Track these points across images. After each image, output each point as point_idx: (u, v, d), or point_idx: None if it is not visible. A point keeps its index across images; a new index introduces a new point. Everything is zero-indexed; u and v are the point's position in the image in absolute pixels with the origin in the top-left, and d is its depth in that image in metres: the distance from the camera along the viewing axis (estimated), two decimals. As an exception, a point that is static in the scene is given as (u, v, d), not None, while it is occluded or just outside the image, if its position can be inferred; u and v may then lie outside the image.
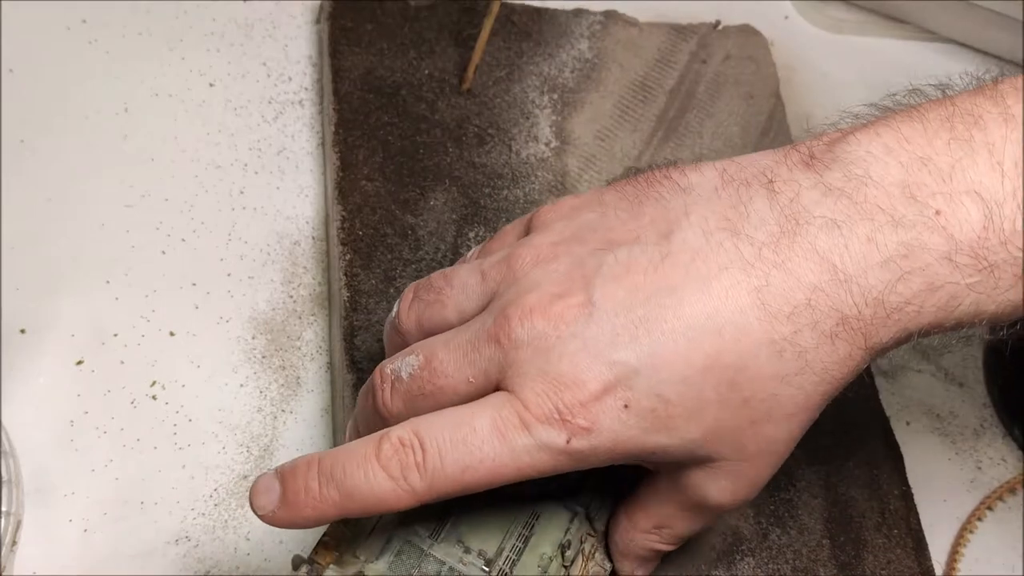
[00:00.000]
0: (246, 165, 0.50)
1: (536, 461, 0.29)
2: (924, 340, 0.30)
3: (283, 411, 0.44)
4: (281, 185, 0.50)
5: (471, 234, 0.46)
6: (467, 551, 0.33)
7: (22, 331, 0.44)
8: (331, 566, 0.32)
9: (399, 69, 0.50)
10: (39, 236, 0.46)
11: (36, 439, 0.41)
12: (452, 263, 0.45)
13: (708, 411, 0.29)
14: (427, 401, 0.31)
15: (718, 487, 0.31)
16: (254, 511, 0.31)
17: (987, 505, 0.47)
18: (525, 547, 0.34)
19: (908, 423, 0.49)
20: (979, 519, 0.47)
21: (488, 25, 0.47)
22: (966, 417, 0.50)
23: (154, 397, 0.43)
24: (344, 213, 0.45)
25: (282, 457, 0.43)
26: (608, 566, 0.36)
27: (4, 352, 0.43)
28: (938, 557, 0.44)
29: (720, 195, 0.30)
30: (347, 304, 0.42)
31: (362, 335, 0.42)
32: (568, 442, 0.29)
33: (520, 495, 0.34)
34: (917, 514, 0.44)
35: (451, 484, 0.30)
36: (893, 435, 0.45)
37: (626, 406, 0.29)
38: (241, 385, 0.44)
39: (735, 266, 0.29)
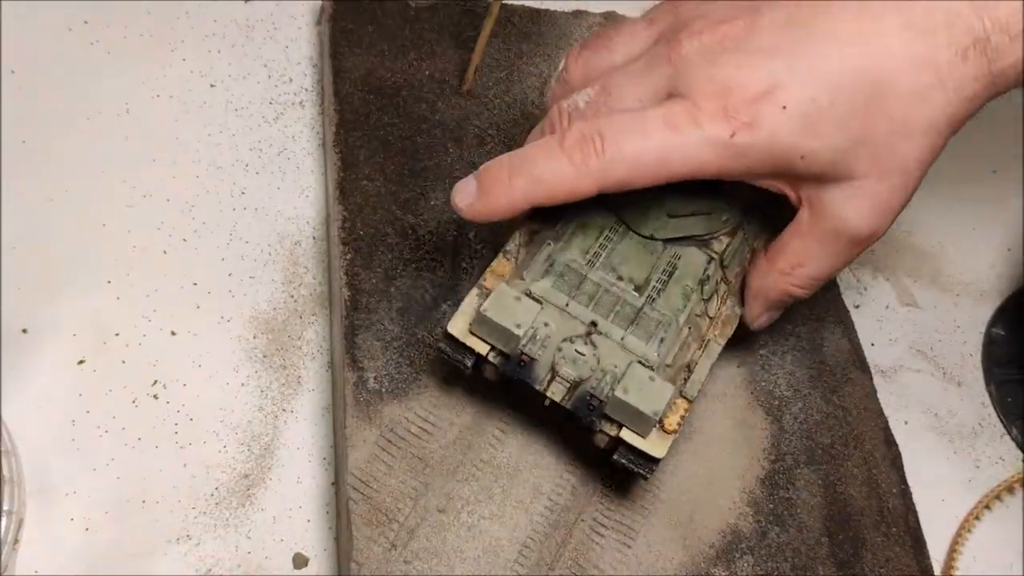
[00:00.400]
0: (247, 165, 0.50)
1: (702, 154, 0.33)
2: None
3: (284, 410, 0.44)
4: (282, 185, 0.50)
5: (471, 234, 0.46)
6: (619, 277, 0.38)
7: (24, 331, 0.44)
8: (502, 283, 0.36)
9: (400, 70, 0.50)
10: (40, 236, 0.46)
11: (38, 438, 0.41)
12: (452, 263, 0.45)
13: (853, 119, 0.33)
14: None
15: (856, 210, 0.35)
16: (456, 206, 0.36)
17: (985, 504, 0.47)
18: (669, 279, 0.38)
19: (906, 422, 0.49)
20: (977, 518, 0.47)
21: (488, 26, 0.47)
22: (964, 416, 0.50)
23: (155, 396, 0.43)
24: (345, 213, 0.45)
25: (283, 456, 0.43)
26: (738, 311, 0.40)
27: (6, 352, 0.43)
28: (936, 556, 0.44)
29: None
30: (348, 303, 0.43)
31: (363, 334, 0.42)
32: (732, 136, 0.33)
33: (666, 237, 0.39)
34: (916, 513, 0.44)
35: (625, 169, 0.34)
36: (892, 434, 0.46)
37: (784, 107, 0.33)
38: (242, 384, 0.44)
39: None
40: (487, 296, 0.37)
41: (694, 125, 0.33)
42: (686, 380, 0.37)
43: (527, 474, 0.40)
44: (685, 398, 0.37)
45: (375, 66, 0.50)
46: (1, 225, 0.46)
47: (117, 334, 0.44)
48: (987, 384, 0.51)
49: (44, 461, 0.41)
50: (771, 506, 0.42)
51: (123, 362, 0.44)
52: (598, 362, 0.36)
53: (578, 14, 0.55)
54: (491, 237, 0.45)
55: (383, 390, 0.41)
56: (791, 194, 0.36)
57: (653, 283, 0.38)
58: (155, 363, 0.44)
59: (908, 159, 0.34)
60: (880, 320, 0.53)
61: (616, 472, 0.39)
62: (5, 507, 0.39)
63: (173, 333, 0.45)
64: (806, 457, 0.44)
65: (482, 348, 0.37)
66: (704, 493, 0.42)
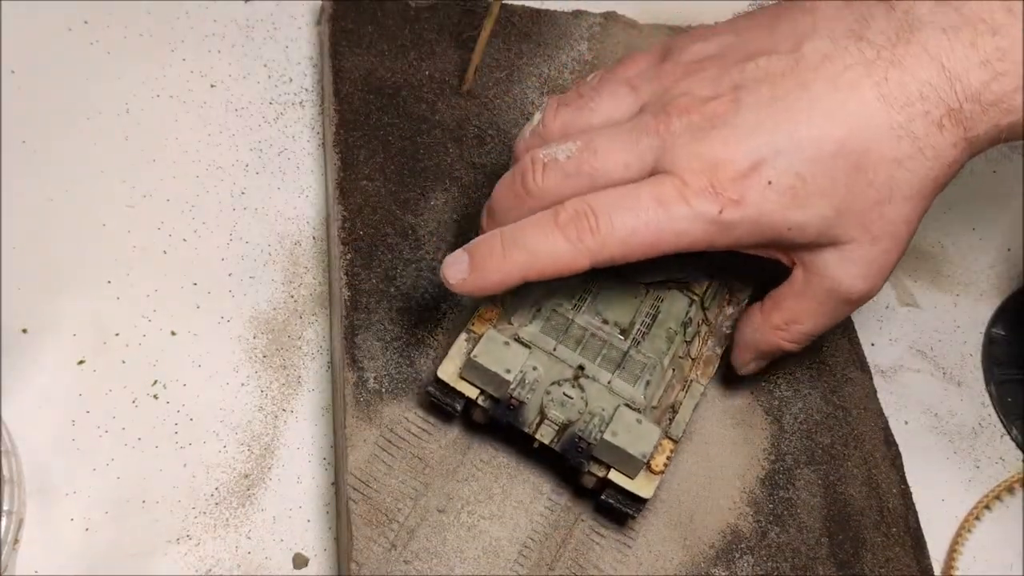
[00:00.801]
0: (247, 166, 0.50)
1: (691, 230, 0.34)
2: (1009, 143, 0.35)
3: (284, 410, 0.44)
4: (282, 185, 0.50)
5: (471, 234, 0.46)
6: (604, 321, 0.39)
7: (24, 331, 0.44)
8: (491, 328, 0.37)
9: (400, 70, 0.50)
10: (41, 236, 0.46)
11: (38, 438, 0.41)
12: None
13: (838, 190, 0.34)
14: (581, 181, 0.35)
15: (849, 272, 0.36)
16: (447, 282, 0.36)
17: (985, 504, 0.47)
18: (653, 322, 0.40)
19: (906, 422, 0.49)
20: (977, 518, 0.47)
21: (488, 26, 0.47)
22: (964, 416, 0.50)
23: (155, 396, 0.43)
24: (345, 213, 0.45)
25: (283, 456, 0.43)
26: (719, 351, 0.41)
27: (6, 352, 0.43)
28: (936, 556, 0.44)
29: (843, 12, 0.35)
30: (348, 303, 0.43)
31: (363, 334, 0.42)
32: (720, 212, 0.34)
33: (648, 281, 0.40)
34: (916, 513, 0.44)
35: (619, 247, 0.35)
36: (892, 434, 0.46)
37: (769, 183, 0.34)
38: (242, 384, 0.44)
39: (859, 65, 0.34)
40: (476, 341, 0.37)
41: (683, 203, 0.34)
42: (671, 421, 0.38)
43: (527, 474, 0.40)
44: (670, 439, 0.38)
45: (375, 66, 0.50)
46: (1, 225, 0.46)
47: (117, 334, 0.44)
48: (987, 384, 0.51)
49: (44, 461, 0.41)
50: (771, 506, 0.42)
51: (123, 362, 0.44)
52: (586, 405, 0.37)
53: (578, 14, 0.55)
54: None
55: (383, 390, 0.41)
56: (783, 259, 0.37)
57: (637, 326, 0.39)
58: (155, 363, 0.44)
59: (896, 223, 0.35)
60: (880, 320, 0.53)
61: (603, 511, 0.39)
62: (5, 507, 0.39)
63: (173, 333, 0.45)
64: (806, 457, 0.44)
65: (471, 392, 0.37)
66: (704, 493, 0.42)
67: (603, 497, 0.38)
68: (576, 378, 0.38)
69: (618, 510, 0.38)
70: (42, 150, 0.48)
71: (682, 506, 0.41)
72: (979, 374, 0.52)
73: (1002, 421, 0.50)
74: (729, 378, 0.44)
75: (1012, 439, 0.50)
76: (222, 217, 0.48)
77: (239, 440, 0.43)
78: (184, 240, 0.47)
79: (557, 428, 0.37)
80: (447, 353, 0.38)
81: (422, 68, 0.51)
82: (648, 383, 0.38)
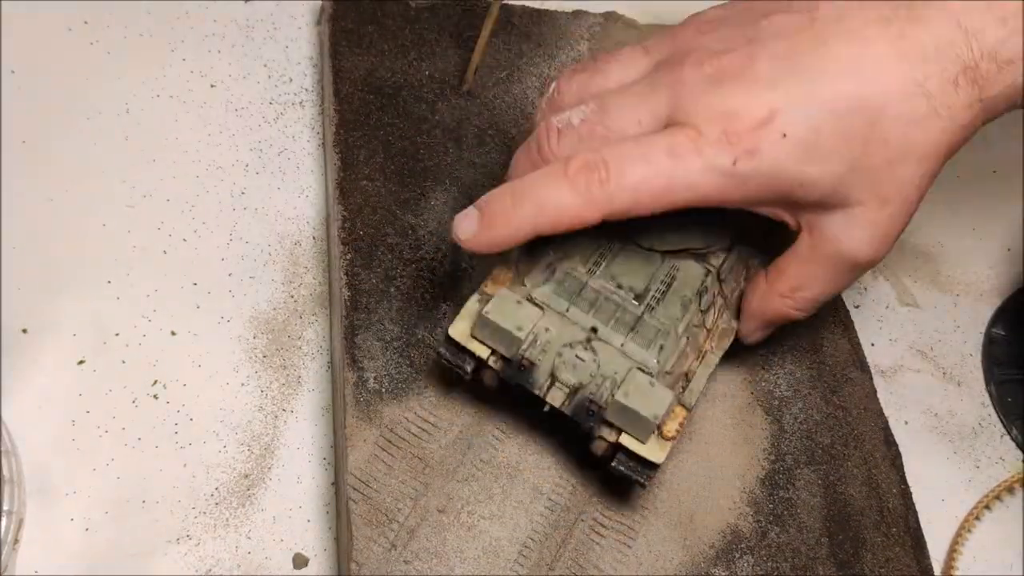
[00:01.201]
0: (247, 166, 0.50)
1: (704, 181, 0.34)
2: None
3: (284, 410, 0.44)
4: (282, 185, 0.50)
5: (471, 234, 0.46)
6: (619, 286, 0.38)
7: (24, 331, 0.44)
8: (503, 288, 0.37)
9: (400, 70, 0.50)
10: (41, 236, 0.46)
11: (38, 438, 0.41)
12: (452, 263, 0.45)
13: (851, 146, 0.33)
14: (595, 144, 0.35)
15: (856, 235, 0.35)
16: (457, 238, 0.35)
17: (985, 504, 0.47)
18: (668, 289, 0.39)
19: (907, 422, 0.49)
20: (977, 518, 0.47)
21: (488, 26, 0.47)
22: (964, 416, 0.50)
23: (155, 396, 0.43)
24: (345, 213, 0.45)
25: (283, 456, 0.43)
26: (734, 325, 0.40)
27: (6, 352, 0.43)
28: (936, 556, 0.44)
29: None
30: (348, 303, 0.43)
31: (363, 334, 0.42)
32: (734, 163, 0.33)
33: (664, 249, 0.39)
34: (916, 513, 0.44)
35: (629, 197, 0.34)
36: (891, 434, 0.46)
37: (784, 135, 0.33)
38: (242, 384, 0.44)
39: (876, 22, 0.33)
40: (488, 301, 0.37)
41: (697, 153, 0.33)
42: (684, 389, 0.38)
43: (527, 474, 0.40)
44: (683, 406, 0.37)
45: (375, 66, 0.50)
46: (1, 225, 0.46)
47: (117, 334, 0.44)
48: (987, 384, 0.51)
49: (44, 461, 0.41)
50: (771, 506, 0.42)
51: (123, 362, 0.44)
52: (598, 368, 0.36)
53: (578, 14, 0.55)
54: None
55: (383, 390, 0.41)
56: (790, 221, 0.37)
57: (652, 292, 0.39)
58: (155, 363, 0.44)
59: (905, 185, 0.35)
60: (880, 320, 0.53)
61: (613, 480, 0.39)
62: (5, 507, 0.39)
63: (173, 333, 0.45)
64: (806, 457, 0.44)
65: (483, 352, 0.37)
66: (704, 493, 0.42)
67: (613, 464, 0.36)
68: (589, 340, 0.37)
69: (628, 477, 0.36)
70: (42, 150, 0.48)
71: (682, 506, 0.41)
72: (979, 374, 0.52)
73: (1002, 421, 0.50)
74: (729, 377, 0.44)
75: (1012, 439, 0.50)
76: (222, 217, 0.48)
77: (239, 440, 0.43)
78: (184, 240, 0.47)
79: (568, 391, 0.36)
80: (458, 312, 0.37)
81: (422, 68, 0.51)
82: (662, 348, 0.37)
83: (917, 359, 0.52)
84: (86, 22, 0.52)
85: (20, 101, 0.49)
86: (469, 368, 0.37)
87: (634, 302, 0.38)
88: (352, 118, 0.48)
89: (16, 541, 0.39)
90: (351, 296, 0.43)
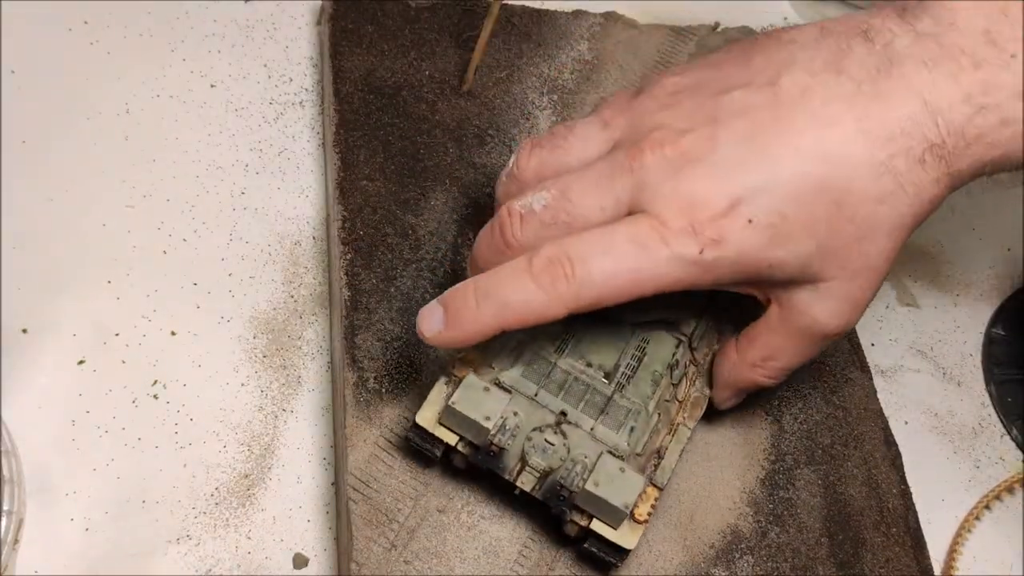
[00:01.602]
0: (247, 166, 0.50)
1: (671, 271, 0.33)
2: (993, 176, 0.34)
3: (284, 410, 0.44)
4: (282, 185, 0.50)
5: (471, 234, 0.46)
6: (588, 364, 0.38)
7: (24, 331, 0.44)
8: (470, 373, 0.36)
9: (400, 70, 0.50)
10: (41, 236, 0.46)
11: (38, 438, 0.41)
12: (453, 263, 0.45)
13: (819, 227, 0.33)
14: (559, 231, 0.35)
15: (825, 308, 0.35)
16: (422, 335, 0.35)
17: (985, 504, 0.47)
18: (639, 365, 0.39)
19: (906, 422, 0.49)
20: (977, 518, 0.47)
21: (488, 26, 0.47)
22: (964, 416, 0.50)
23: (155, 396, 0.43)
24: (345, 213, 0.45)
25: (283, 456, 0.43)
26: (707, 392, 0.40)
27: (6, 352, 0.43)
28: (936, 556, 0.44)
29: (821, 44, 0.34)
30: (348, 303, 0.43)
31: (363, 334, 0.42)
32: (700, 252, 0.33)
33: (634, 321, 0.39)
34: (916, 513, 0.44)
35: (596, 292, 0.33)
36: (891, 434, 0.46)
37: (750, 221, 0.33)
38: (242, 384, 0.44)
39: (839, 99, 0.33)
40: (456, 384, 0.36)
41: (662, 243, 0.33)
42: (656, 467, 0.37)
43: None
44: (655, 486, 0.37)
45: (375, 66, 0.50)
46: (1, 225, 0.46)
47: (117, 334, 0.44)
48: (987, 384, 0.51)
49: (44, 461, 0.41)
50: (771, 506, 0.42)
51: (123, 362, 0.44)
52: (568, 452, 0.36)
53: (578, 14, 0.55)
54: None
55: (383, 390, 0.41)
56: (759, 296, 0.36)
57: (622, 369, 0.38)
58: (155, 363, 0.44)
59: (873, 258, 0.34)
60: (880, 320, 0.53)
61: (585, 559, 0.38)
62: (5, 507, 0.39)
63: (173, 333, 0.45)
64: (806, 457, 0.44)
65: (451, 439, 0.37)
66: (704, 493, 0.42)
67: (585, 546, 0.37)
68: (558, 424, 0.36)
69: (600, 559, 0.37)
70: (42, 150, 0.48)
71: (682, 506, 0.41)
72: (979, 374, 0.52)
73: (1002, 421, 0.50)
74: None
75: (1012, 439, 0.50)
76: (222, 217, 0.48)
77: (239, 440, 0.43)
78: (184, 240, 0.47)
79: (538, 475, 0.36)
80: (426, 398, 0.37)
81: (422, 68, 0.51)
82: (632, 429, 0.37)
83: (917, 359, 0.52)
84: (86, 22, 0.52)
85: (20, 101, 0.49)
86: (438, 453, 0.37)
87: (604, 381, 0.38)
88: (352, 118, 0.48)
89: (16, 541, 0.39)
90: (351, 296, 0.43)
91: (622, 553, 0.36)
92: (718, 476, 0.42)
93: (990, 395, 0.51)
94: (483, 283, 0.34)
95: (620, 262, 0.33)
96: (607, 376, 0.38)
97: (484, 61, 0.51)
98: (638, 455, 0.37)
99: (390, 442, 0.40)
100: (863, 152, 0.33)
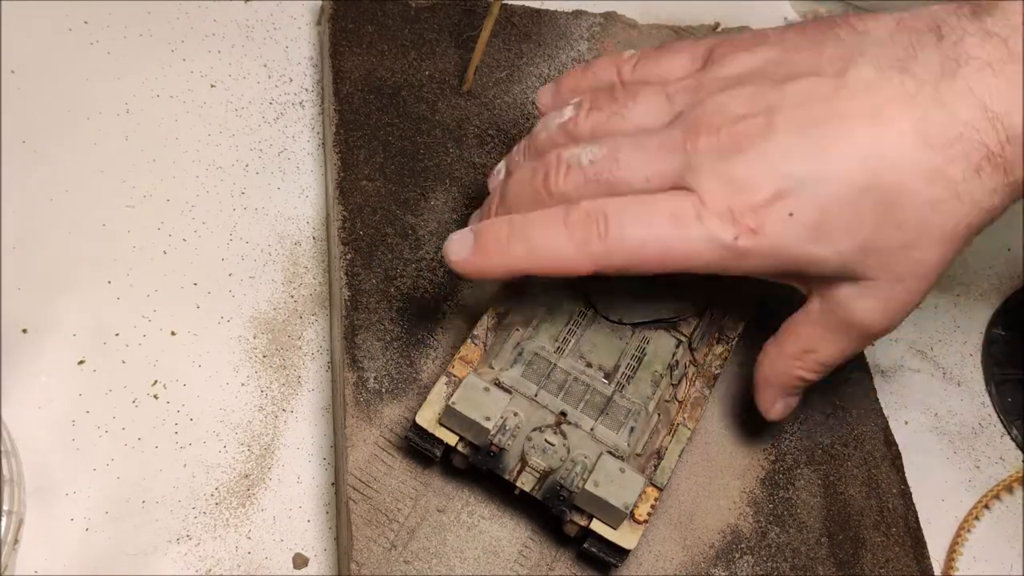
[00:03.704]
0: (247, 166, 0.50)
1: (703, 251, 0.33)
2: None
3: (284, 410, 0.44)
4: (282, 186, 0.50)
5: (471, 234, 0.46)
6: (588, 365, 0.38)
7: (24, 331, 0.44)
8: (470, 373, 0.36)
9: (400, 70, 0.50)
10: (41, 236, 0.46)
11: (38, 438, 0.41)
12: (452, 263, 0.45)
13: (864, 228, 0.32)
14: (600, 188, 0.35)
15: (868, 307, 0.34)
16: (447, 258, 0.35)
17: (985, 504, 0.47)
18: (639, 365, 0.39)
19: (906, 422, 0.49)
20: (977, 518, 0.47)
21: (488, 26, 0.47)
22: (964, 416, 0.50)
23: (155, 396, 0.43)
24: (345, 213, 0.45)
25: (283, 456, 0.43)
26: (707, 393, 0.40)
27: (6, 351, 0.43)
28: (936, 556, 0.44)
29: (894, 38, 0.33)
30: (348, 303, 0.43)
31: (363, 334, 0.42)
32: (735, 239, 0.33)
33: (634, 321, 0.39)
34: (915, 513, 0.44)
35: (625, 256, 0.33)
36: (891, 434, 0.46)
37: (791, 214, 0.32)
38: (242, 384, 0.44)
39: (900, 99, 0.32)
40: (456, 384, 0.37)
41: (699, 223, 0.33)
42: (656, 467, 0.37)
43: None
44: (655, 486, 0.37)
45: (375, 66, 0.50)
46: (1, 225, 0.46)
47: (117, 334, 0.44)
48: (987, 384, 0.51)
49: (44, 461, 0.41)
50: (771, 506, 0.42)
51: (123, 362, 0.44)
52: (568, 452, 0.36)
53: (578, 14, 0.55)
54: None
55: (383, 390, 0.41)
56: (800, 286, 0.36)
57: (622, 369, 0.38)
58: (155, 363, 0.44)
59: (922, 265, 0.33)
60: (880, 320, 0.53)
61: (585, 560, 0.38)
62: (5, 507, 0.39)
63: (173, 333, 0.45)
64: (806, 457, 0.44)
65: (451, 439, 0.37)
66: (704, 493, 0.42)
67: (585, 546, 0.37)
68: (558, 424, 0.36)
69: (600, 559, 0.37)
70: (42, 150, 0.48)
71: (682, 506, 0.41)
72: (979, 374, 0.52)
73: (1002, 421, 0.50)
74: (728, 377, 0.44)
75: (1012, 439, 0.50)
76: (222, 217, 0.48)
77: (239, 440, 0.43)
78: (184, 240, 0.47)
79: (538, 475, 0.36)
80: (426, 398, 0.37)
81: (422, 68, 0.51)
82: (632, 429, 0.37)
83: (917, 359, 0.52)
84: (86, 22, 0.52)
85: (20, 101, 0.49)
86: (438, 453, 0.37)
87: (604, 381, 0.38)
88: (352, 118, 0.48)
89: (16, 541, 0.39)
90: (351, 296, 0.43)
91: (622, 553, 0.36)
92: (718, 476, 0.42)
93: (990, 395, 0.51)
94: (518, 222, 0.35)
95: (654, 231, 0.33)
96: (607, 376, 0.38)
97: (484, 61, 0.51)
98: (638, 455, 0.37)
99: (390, 442, 0.40)
100: (918, 155, 0.32)
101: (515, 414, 0.36)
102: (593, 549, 0.37)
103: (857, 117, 0.32)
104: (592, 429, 0.37)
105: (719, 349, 0.41)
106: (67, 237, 0.46)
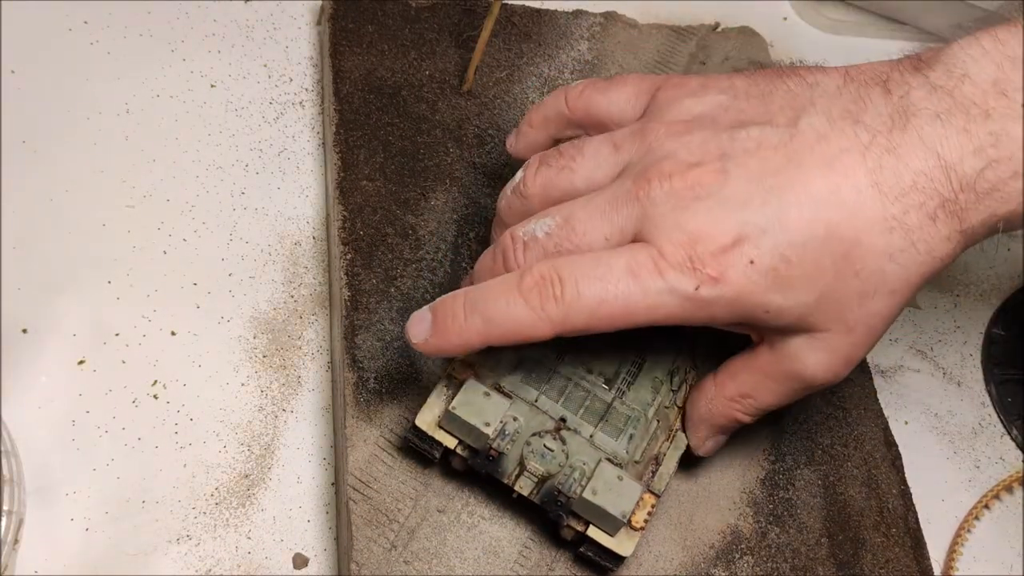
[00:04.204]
0: (247, 166, 0.50)
1: (665, 304, 0.32)
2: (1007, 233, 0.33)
3: (284, 410, 0.44)
4: (282, 185, 0.50)
5: (471, 234, 0.46)
6: (589, 371, 0.38)
7: (24, 331, 0.44)
8: (471, 378, 0.36)
9: (400, 70, 0.50)
10: (41, 236, 0.46)
11: (38, 438, 0.41)
12: (453, 263, 0.45)
13: (823, 278, 0.32)
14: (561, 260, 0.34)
15: (816, 359, 0.34)
16: (409, 340, 0.35)
17: (985, 504, 0.47)
18: (639, 372, 0.38)
19: (906, 422, 0.49)
20: (977, 518, 0.47)
21: (488, 26, 0.47)
22: (964, 416, 0.50)
23: (155, 396, 0.43)
24: (345, 213, 0.45)
25: (283, 456, 0.43)
26: None
27: (6, 352, 0.43)
28: (936, 556, 0.44)
29: (842, 91, 0.34)
30: (348, 303, 0.43)
31: (363, 334, 0.42)
32: (696, 289, 0.32)
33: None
34: (915, 513, 0.44)
35: (585, 317, 0.33)
36: (891, 434, 0.46)
37: (752, 262, 0.32)
38: (242, 384, 0.44)
39: (854, 149, 0.32)
40: (456, 387, 0.37)
41: (658, 276, 0.32)
42: (654, 473, 0.37)
43: (527, 474, 0.40)
44: (653, 493, 0.37)
45: (375, 66, 0.50)
46: (1, 225, 0.46)
47: (117, 334, 0.44)
48: (987, 384, 0.51)
49: (44, 461, 0.41)
50: (771, 506, 0.42)
51: (123, 362, 0.44)
52: (567, 458, 0.36)
53: (578, 14, 0.55)
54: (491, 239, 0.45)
55: (383, 390, 0.41)
56: (752, 335, 0.36)
57: (623, 376, 0.38)
58: (155, 363, 0.44)
59: (873, 317, 0.33)
60: (880, 320, 0.53)
61: (581, 563, 0.38)
62: (5, 507, 0.39)
63: (173, 333, 0.45)
64: (806, 457, 0.44)
65: (450, 442, 0.37)
66: (704, 493, 0.42)
67: (582, 550, 0.37)
68: (558, 430, 0.36)
69: (597, 564, 0.37)
70: (42, 150, 0.48)
71: (682, 506, 0.41)
72: (979, 374, 0.52)
73: (1002, 421, 0.50)
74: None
75: (1012, 439, 0.50)
76: (222, 217, 0.48)
77: (239, 440, 0.43)
78: (184, 240, 0.47)
79: (536, 480, 0.36)
80: (426, 400, 0.37)
81: (422, 68, 0.51)
82: (631, 437, 0.37)
83: (917, 359, 0.52)
84: (86, 22, 0.52)
85: (20, 101, 0.49)
86: (437, 455, 0.37)
87: (604, 387, 0.38)
88: (352, 118, 0.48)
89: (16, 541, 0.39)
90: (351, 296, 0.43)
91: (618, 560, 0.36)
92: (718, 476, 0.42)
93: (990, 395, 0.51)
94: (472, 295, 0.34)
95: (612, 290, 0.32)
96: (607, 382, 0.38)
97: (484, 61, 0.51)
98: (636, 462, 0.37)
99: (390, 442, 0.40)
100: (876, 205, 0.32)
101: (514, 419, 0.36)
102: (590, 554, 0.37)
103: (812, 167, 0.32)
104: (591, 436, 0.37)
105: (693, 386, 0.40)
106: (67, 237, 0.46)
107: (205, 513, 0.41)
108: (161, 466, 0.42)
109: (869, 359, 0.48)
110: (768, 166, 0.33)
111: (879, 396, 0.47)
